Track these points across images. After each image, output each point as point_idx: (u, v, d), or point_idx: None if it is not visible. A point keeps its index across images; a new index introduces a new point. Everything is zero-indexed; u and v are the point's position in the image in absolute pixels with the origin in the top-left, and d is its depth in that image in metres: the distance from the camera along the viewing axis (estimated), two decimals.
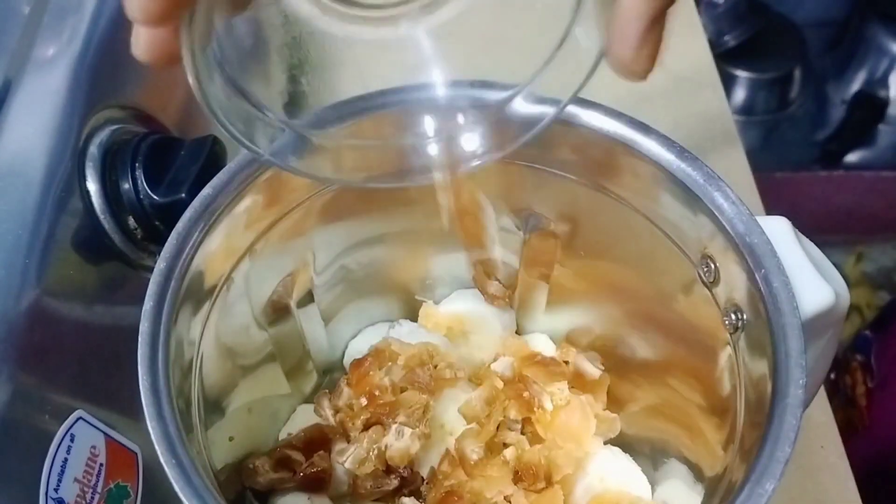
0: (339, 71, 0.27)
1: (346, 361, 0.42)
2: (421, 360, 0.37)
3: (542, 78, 0.25)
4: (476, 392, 0.37)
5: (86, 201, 0.35)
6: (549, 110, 0.26)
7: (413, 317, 0.42)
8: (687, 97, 0.63)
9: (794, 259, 0.30)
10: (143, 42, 0.23)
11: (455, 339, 0.41)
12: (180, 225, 0.30)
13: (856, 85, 1.13)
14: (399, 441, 0.35)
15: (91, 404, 0.32)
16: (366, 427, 0.36)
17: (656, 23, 0.22)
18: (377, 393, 0.36)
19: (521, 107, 0.26)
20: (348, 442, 0.37)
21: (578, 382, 0.39)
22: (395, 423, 0.35)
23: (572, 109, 0.32)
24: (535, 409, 0.37)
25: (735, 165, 0.59)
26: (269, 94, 0.26)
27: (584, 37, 0.24)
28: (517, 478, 0.36)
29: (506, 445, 0.37)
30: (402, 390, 0.37)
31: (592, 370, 0.39)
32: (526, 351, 0.40)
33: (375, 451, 0.35)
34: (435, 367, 0.37)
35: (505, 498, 0.36)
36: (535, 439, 0.38)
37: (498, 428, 0.37)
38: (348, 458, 0.35)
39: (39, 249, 0.32)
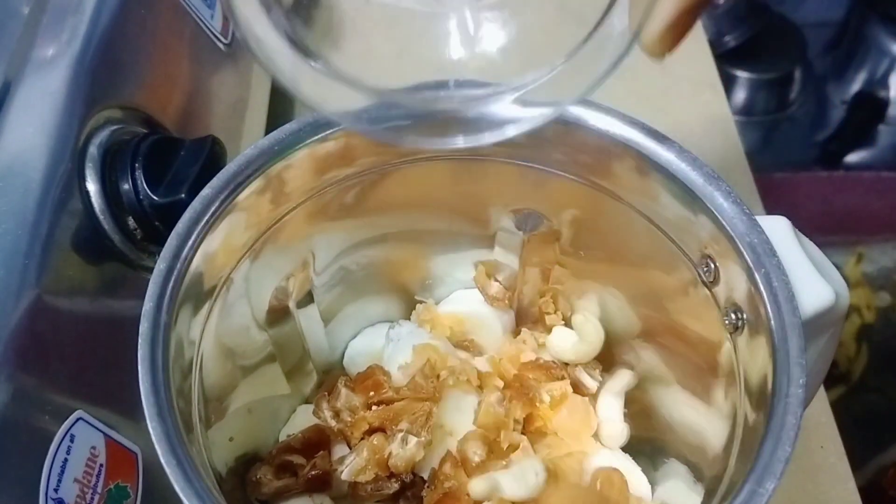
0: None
1: (346, 362, 0.42)
2: (423, 374, 0.37)
3: (578, 57, 0.25)
4: (484, 398, 0.37)
5: (85, 202, 0.34)
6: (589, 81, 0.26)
7: None
8: (687, 97, 0.63)
9: (793, 259, 0.30)
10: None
11: (458, 341, 0.41)
12: (180, 225, 0.30)
13: (856, 85, 1.12)
14: (404, 450, 0.35)
15: (91, 404, 0.32)
16: (368, 433, 0.36)
17: (689, 13, 0.24)
18: (381, 392, 0.36)
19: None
20: (349, 446, 0.37)
21: (577, 392, 0.39)
22: (400, 430, 0.35)
23: (573, 110, 0.32)
24: (538, 403, 0.37)
25: (735, 165, 0.59)
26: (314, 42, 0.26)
27: (618, 21, 0.25)
28: None
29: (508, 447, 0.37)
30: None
31: (590, 382, 0.39)
32: (524, 357, 0.40)
33: (374, 460, 0.35)
34: (437, 377, 0.37)
35: None
36: (537, 438, 0.38)
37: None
38: (346, 469, 0.35)
39: (39, 250, 0.31)
